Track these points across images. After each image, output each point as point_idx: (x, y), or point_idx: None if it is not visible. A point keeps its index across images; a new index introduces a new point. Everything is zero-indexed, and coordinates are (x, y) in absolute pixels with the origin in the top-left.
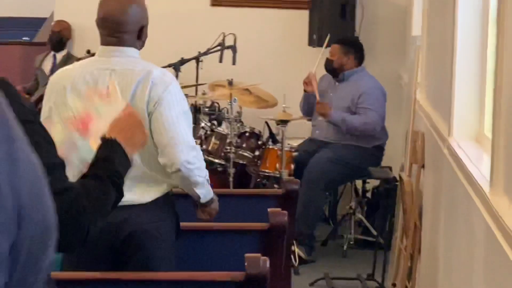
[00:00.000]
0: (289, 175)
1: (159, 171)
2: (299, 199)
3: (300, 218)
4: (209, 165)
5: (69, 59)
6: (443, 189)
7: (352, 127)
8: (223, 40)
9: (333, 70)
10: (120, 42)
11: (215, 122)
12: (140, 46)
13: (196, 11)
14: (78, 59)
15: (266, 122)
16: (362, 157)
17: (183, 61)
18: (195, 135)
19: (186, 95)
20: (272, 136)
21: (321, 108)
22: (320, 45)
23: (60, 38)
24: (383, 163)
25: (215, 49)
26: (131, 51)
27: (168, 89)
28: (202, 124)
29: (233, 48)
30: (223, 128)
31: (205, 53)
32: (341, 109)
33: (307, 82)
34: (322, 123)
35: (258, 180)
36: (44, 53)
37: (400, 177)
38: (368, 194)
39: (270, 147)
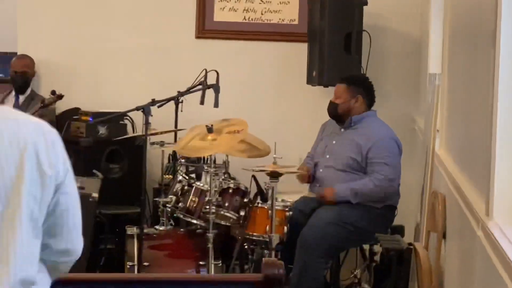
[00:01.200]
0: (281, 239)
1: None
2: (294, 265)
3: None
4: (187, 225)
5: (33, 99)
6: (475, 276)
7: (367, 195)
8: (205, 77)
9: (338, 116)
10: None
11: (193, 175)
12: None
13: (178, 45)
14: (43, 101)
15: (253, 176)
16: (370, 218)
17: (154, 103)
18: (171, 190)
19: (162, 143)
20: (260, 192)
21: (322, 197)
22: (320, 83)
23: (24, 80)
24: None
25: (195, 88)
26: None
27: None
28: (179, 178)
29: (216, 87)
30: (203, 183)
31: (184, 93)
32: (346, 159)
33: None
34: (323, 176)
35: (245, 244)
36: (5, 92)
37: (414, 247)
38: (377, 258)
39: (259, 205)
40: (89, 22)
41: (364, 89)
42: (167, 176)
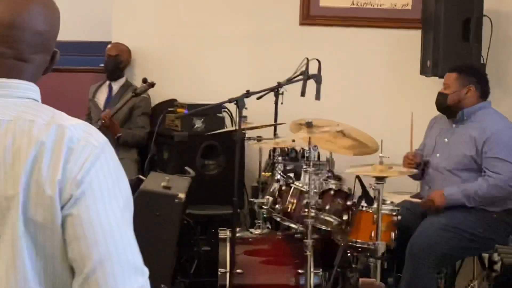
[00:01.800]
0: (388, 247)
1: None
2: (403, 275)
3: None
4: (286, 229)
5: (127, 89)
6: None
7: (482, 198)
8: (307, 67)
9: (448, 108)
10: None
11: (292, 175)
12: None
13: (281, 32)
14: (135, 90)
15: (357, 177)
16: (487, 224)
17: (248, 94)
18: (269, 190)
19: (260, 138)
20: (365, 194)
21: (430, 201)
22: (435, 74)
23: (117, 64)
24: None
25: (296, 78)
26: (27, 87)
27: (99, 161)
28: (277, 177)
29: (317, 78)
30: (302, 183)
31: (283, 84)
32: (461, 158)
33: (406, 163)
34: (433, 177)
35: (348, 251)
36: (99, 82)
37: None
38: (497, 267)
39: (364, 209)
40: (186, 9)
41: (477, 78)
42: (265, 174)
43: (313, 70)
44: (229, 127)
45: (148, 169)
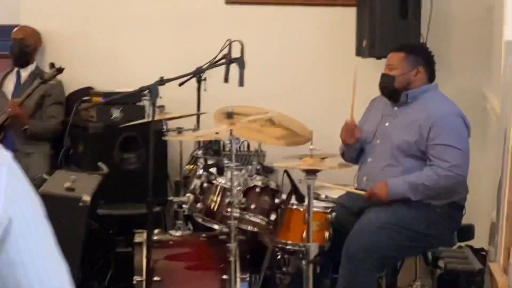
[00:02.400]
0: (321, 248)
1: None
2: (339, 278)
3: None
4: (209, 230)
5: (37, 76)
6: None
7: (430, 189)
8: (229, 50)
9: (394, 92)
10: None
11: (214, 170)
12: None
13: (205, 12)
14: (42, 76)
15: (286, 171)
16: (431, 220)
17: (162, 82)
18: (189, 187)
19: (180, 129)
20: (295, 191)
21: (372, 194)
22: (372, 54)
23: (22, 49)
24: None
25: (219, 63)
26: None
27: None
28: (199, 172)
29: (240, 62)
30: (226, 179)
31: (204, 70)
32: (401, 143)
33: (347, 134)
34: (373, 166)
35: (277, 254)
36: (6, 70)
37: (489, 271)
38: (441, 263)
39: (294, 207)
40: None
41: (425, 59)
42: (188, 167)
43: (238, 53)
44: (148, 117)
45: (62, 165)
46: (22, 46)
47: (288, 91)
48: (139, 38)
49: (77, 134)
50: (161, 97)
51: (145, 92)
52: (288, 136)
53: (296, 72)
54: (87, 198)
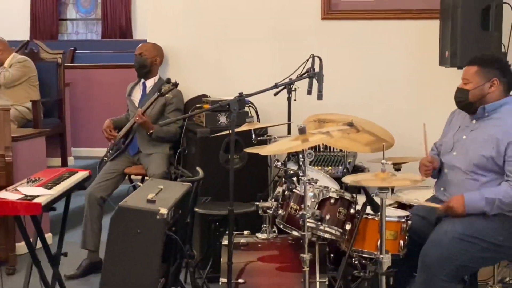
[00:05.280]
0: (395, 257)
1: None
2: (415, 285)
3: None
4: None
5: (160, 86)
6: None
7: (507, 205)
8: (312, 64)
9: (469, 105)
10: None
11: (295, 179)
12: None
13: (302, 28)
14: (160, 90)
15: (362, 187)
16: (508, 231)
17: (242, 97)
18: (274, 193)
19: (270, 138)
20: (370, 201)
21: (448, 208)
22: (453, 64)
23: (141, 63)
24: None
25: (302, 77)
26: None
27: None
28: (283, 180)
29: (319, 76)
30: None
31: (292, 82)
32: (478, 159)
33: (424, 170)
34: (450, 178)
35: (355, 260)
36: (135, 81)
37: None
38: None
39: (369, 217)
40: (211, 11)
41: (500, 70)
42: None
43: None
44: (255, 121)
45: (180, 163)
46: (140, 60)
47: (376, 99)
48: (245, 52)
49: (190, 137)
50: (240, 111)
51: (236, 101)
52: (373, 142)
53: (384, 81)
54: (164, 211)
